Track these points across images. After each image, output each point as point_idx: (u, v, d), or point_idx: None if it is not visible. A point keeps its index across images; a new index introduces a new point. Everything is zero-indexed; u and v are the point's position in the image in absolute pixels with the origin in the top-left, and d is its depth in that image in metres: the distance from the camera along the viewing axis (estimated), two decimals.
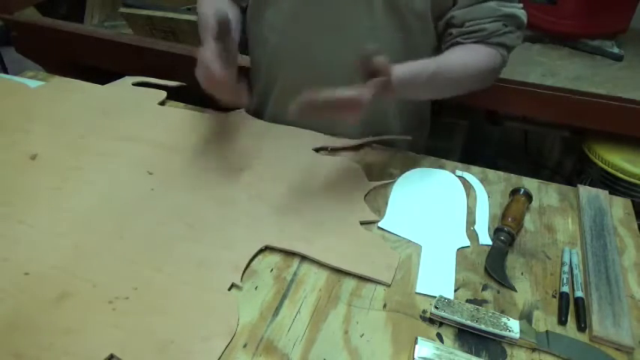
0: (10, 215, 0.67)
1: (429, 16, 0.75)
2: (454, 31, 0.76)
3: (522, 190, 0.70)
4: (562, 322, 0.55)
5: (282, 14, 0.80)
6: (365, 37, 0.77)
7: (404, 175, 0.76)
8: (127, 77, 0.99)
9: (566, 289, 0.58)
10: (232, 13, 0.83)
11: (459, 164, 0.79)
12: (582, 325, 0.54)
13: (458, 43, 0.77)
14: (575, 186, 0.75)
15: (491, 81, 0.79)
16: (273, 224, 0.66)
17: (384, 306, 0.56)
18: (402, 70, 0.66)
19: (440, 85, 0.73)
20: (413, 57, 0.76)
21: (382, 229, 0.66)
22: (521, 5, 0.76)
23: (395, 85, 0.65)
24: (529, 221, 0.69)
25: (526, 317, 0.55)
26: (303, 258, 0.62)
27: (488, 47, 0.75)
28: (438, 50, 0.81)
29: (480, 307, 0.54)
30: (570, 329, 0.54)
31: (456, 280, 0.60)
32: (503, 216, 0.66)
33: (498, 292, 0.58)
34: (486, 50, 0.75)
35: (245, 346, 0.52)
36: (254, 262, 0.61)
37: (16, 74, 1.04)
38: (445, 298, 0.55)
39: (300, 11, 0.78)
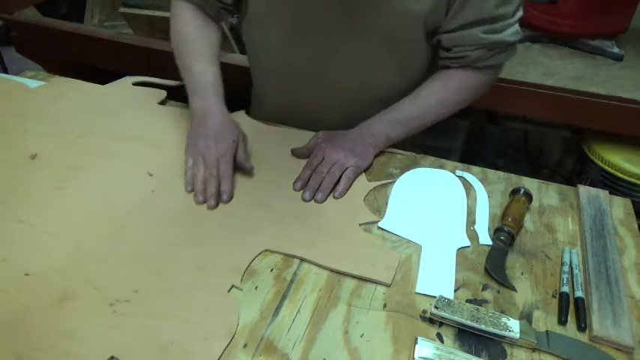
0: (10, 215, 0.66)
1: (423, 39, 0.75)
2: (442, 53, 0.78)
3: (522, 190, 0.70)
4: (562, 322, 0.55)
5: (278, 40, 0.80)
6: (359, 61, 0.78)
7: (404, 175, 0.76)
8: (127, 77, 0.99)
9: (566, 289, 0.58)
10: (216, 38, 0.83)
11: (459, 164, 0.79)
12: (582, 325, 0.54)
13: (446, 67, 0.79)
14: (575, 186, 0.75)
15: (477, 97, 0.82)
16: (273, 228, 0.65)
17: (384, 306, 0.56)
18: (381, 141, 0.78)
19: (417, 128, 0.81)
20: (407, 75, 0.82)
21: (382, 229, 0.66)
22: (513, 21, 0.72)
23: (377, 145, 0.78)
24: (529, 221, 0.69)
25: (526, 317, 0.55)
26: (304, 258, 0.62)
27: (473, 71, 0.77)
28: (432, 64, 0.82)
29: (480, 307, 0.54)
30: (570, 329, 0.54)
31: (456, 280, 0.59)
32: (503, 216, 0.66)
33: (498, 292, 0.58)
34: (469, 76, 0.77)
35: (245, 346, 0.52)
36: (254, 262, 0.61)
37: (16, 74, 1.03)
38: (445, 298, 0.55)
39: (295, 37, 0.78)
